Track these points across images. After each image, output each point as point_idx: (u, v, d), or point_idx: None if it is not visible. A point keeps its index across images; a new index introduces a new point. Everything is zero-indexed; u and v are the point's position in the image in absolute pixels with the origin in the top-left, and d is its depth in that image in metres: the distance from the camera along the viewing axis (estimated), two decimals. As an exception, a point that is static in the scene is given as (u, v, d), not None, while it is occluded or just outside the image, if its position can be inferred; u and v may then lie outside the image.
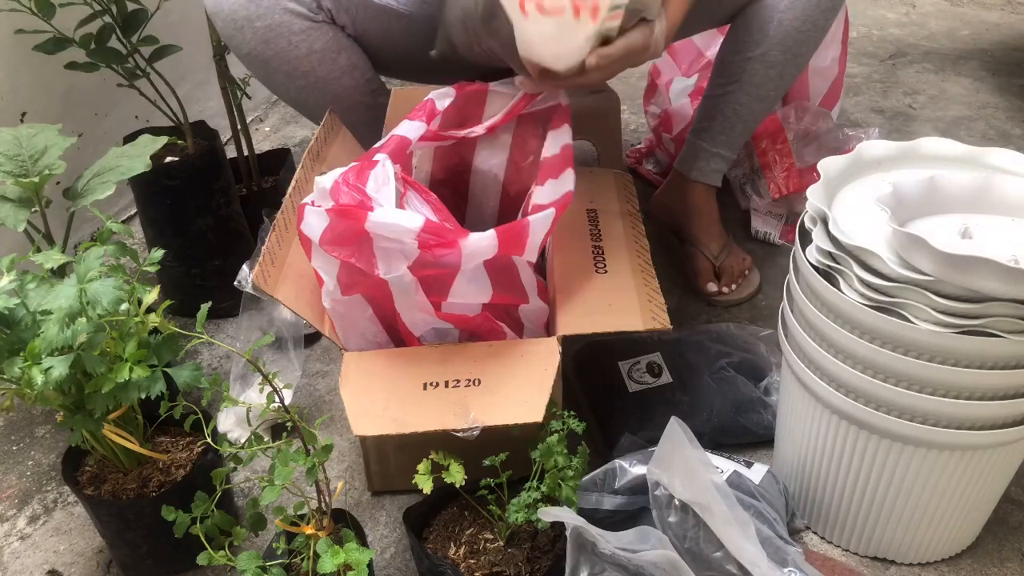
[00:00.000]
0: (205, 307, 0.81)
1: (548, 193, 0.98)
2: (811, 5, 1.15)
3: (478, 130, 1.10)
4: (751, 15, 1.19)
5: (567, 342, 0.94)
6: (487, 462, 0.83)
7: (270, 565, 0.79)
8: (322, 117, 1.16)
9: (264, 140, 1.90)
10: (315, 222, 0.86)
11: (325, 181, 0.89)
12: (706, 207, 1.36)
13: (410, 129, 1.04)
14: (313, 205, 0.87)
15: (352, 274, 0.89)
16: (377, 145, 1.06)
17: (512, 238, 0.89)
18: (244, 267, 0.94)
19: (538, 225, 0.90)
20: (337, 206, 0.86)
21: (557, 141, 1.04)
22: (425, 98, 1.07)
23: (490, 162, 1.17)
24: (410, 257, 0.86)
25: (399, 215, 0.85)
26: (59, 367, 0.75)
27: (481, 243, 0.87)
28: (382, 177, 0.92)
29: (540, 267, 1.03)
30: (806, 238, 0.85)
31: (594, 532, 0.78)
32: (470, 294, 0.91)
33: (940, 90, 2.03)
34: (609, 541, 0.79)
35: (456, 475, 0.81)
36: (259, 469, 1.08)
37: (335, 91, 1.16)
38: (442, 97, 1.08)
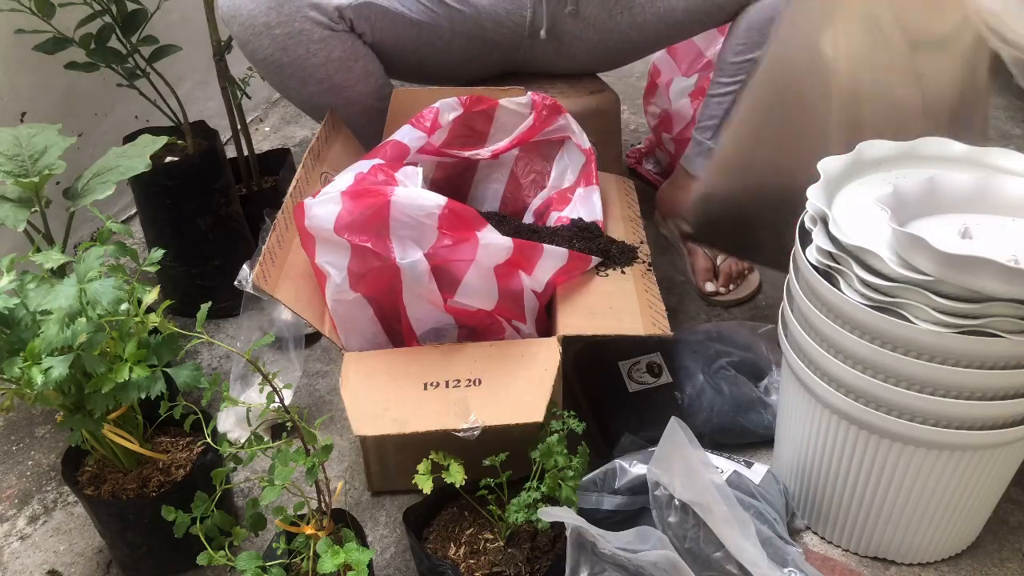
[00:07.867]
0: (205, 307, 0.81)
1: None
2: None
3: (483, 153, 1.10)
4: (750, 15, 1.18)
5: (567, 342, 0.94)
6: (487, 462, 0.83)
7: (270, 565, 0.79)
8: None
9: (264, 140, 1.90)
10: (325, 211, 0.87)
11: (362, 166, 0.94)
12: None
13: (412, 138, 1.04)
14: (314, 198, 0.87)
15: (364, 262, 0.89)
16: (376, 148, 1.06)
17: (526, 252, 0.93)
18: (244, 267, 0.94)
19: (550, 254, 0.96)
20: (355, 187, 0.87)
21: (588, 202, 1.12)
22: (431, 105, 1.07)
23: (491, 175, 1.19)
24: (427, 242, 0.86)
25: (422, 193, 0.87)
26: (59, 367, 0.75)
27: (498, 240, 0.88)
28: (412, 176, 0.96)
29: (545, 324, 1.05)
30: (806, 238, 0.85)
31: (594, 532, 0.78)
32: (477, 296, 0.92)
33: (940, 90, 2.02)
34: (609, 541, 0.79)
35: (456, 475, 0.81)
36: (259, 469, 1.08)
37: (348, 96, 1.16)
38: (448, 110, 1.07)
